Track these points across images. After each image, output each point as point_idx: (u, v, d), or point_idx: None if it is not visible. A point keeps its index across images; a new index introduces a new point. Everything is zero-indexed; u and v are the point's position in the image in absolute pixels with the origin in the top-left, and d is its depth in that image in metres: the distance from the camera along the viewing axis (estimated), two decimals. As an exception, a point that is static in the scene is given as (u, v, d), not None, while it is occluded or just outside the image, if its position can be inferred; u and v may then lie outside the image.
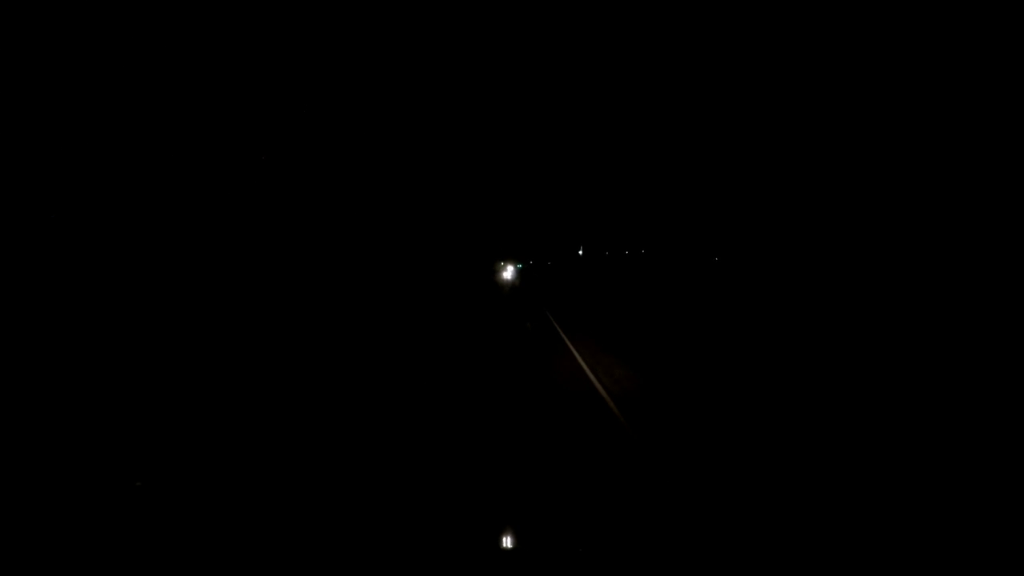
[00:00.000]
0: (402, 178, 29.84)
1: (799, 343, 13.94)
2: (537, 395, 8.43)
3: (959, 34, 17.96)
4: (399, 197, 29.32)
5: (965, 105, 18.40)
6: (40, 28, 12.62)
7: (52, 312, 11.23)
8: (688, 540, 2.10)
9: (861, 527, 2.04)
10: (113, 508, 2.68)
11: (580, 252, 68.07)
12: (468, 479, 5.01)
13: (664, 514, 4.10)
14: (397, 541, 2.04)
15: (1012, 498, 4.63)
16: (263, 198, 18.87)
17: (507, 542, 2.16)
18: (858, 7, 21.13)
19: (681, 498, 4.73)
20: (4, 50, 11.87)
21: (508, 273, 57.68)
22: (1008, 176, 17.06)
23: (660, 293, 32.51)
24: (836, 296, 23.13)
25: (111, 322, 11.88)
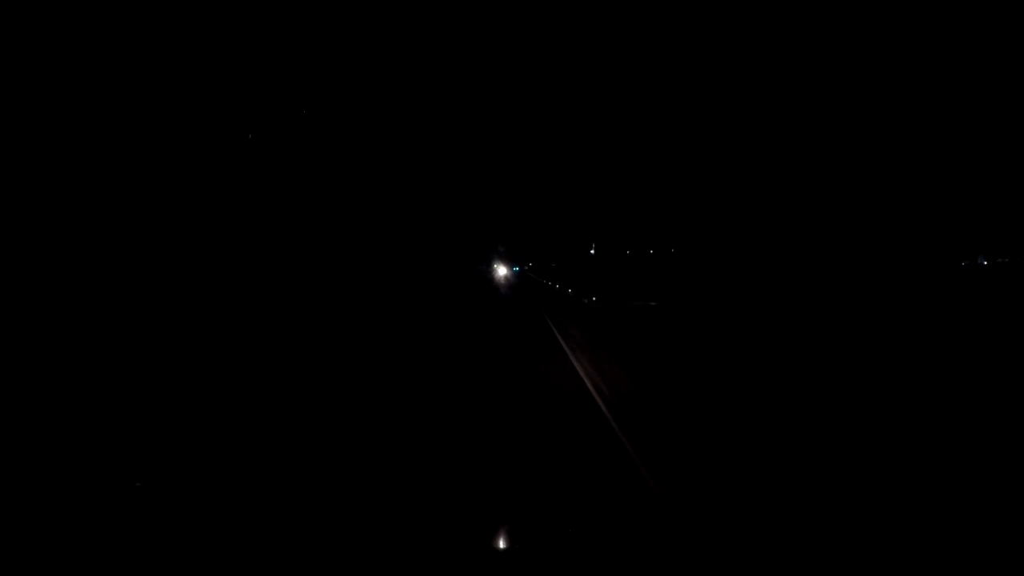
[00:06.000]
0: (389, 174, 29.37)
1: (821, 346, 13.88)
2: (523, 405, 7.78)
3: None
4: (383, 195, 28.71)
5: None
6: (40, 27, 12.83)
7: (52, 312, 11.42)
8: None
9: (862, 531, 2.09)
10: (113, 508, 2.76)
11: (592, 251, 62.28)
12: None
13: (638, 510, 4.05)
14: (387, 540, 2.12)
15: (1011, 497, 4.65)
16: (263, 198, 19.04)
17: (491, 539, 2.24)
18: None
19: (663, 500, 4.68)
20: (4, 50, 12.10)
21: (501, 276, 50.20)
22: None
23: (693, 297, 27.99)
24: (856, 298, 23.00)
25: (111, 322, 12.06)
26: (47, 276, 12.06)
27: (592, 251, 61.31)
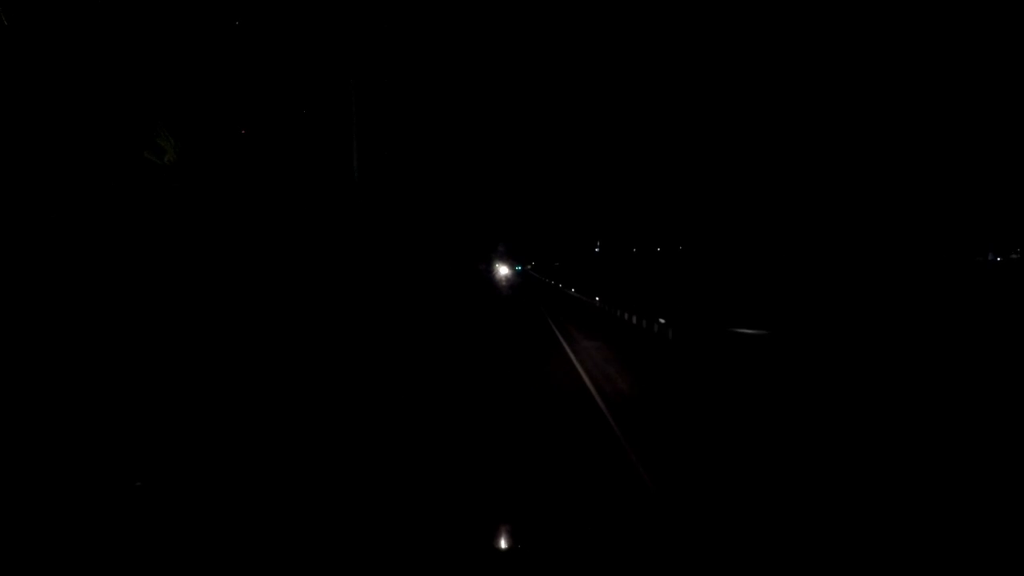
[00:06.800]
0: (386, 172, 28.78)
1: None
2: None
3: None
4: (379, 194, 27.87)
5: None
6: (39, 27, 12.87)
7: (52, 312, 11.46)
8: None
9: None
10: (113, 508, 2.75)
11: (597, 249, 61.13)
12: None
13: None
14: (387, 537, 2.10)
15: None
16: (262, 198, 19.09)
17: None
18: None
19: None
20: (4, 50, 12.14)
21: (502, 276, 47.58)
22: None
23: (710, 298, 25.08)
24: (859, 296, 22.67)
25: (111, 322, 12.10)
26: (47, 276, 12.10)
27: (597, 248, 59.87)
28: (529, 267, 72.58)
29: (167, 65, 16.19)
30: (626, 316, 19.28)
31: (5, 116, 12.98)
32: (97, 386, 8.58)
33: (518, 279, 53.22)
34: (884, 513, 4.89)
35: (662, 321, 15.66)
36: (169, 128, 16.55)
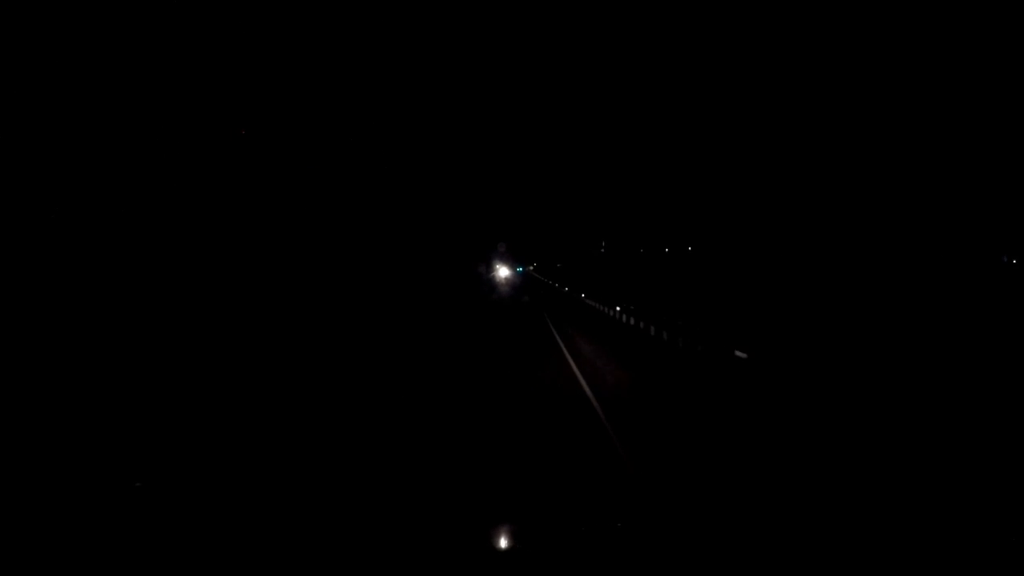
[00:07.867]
0: (380, 169, 28.22)
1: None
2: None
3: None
4: (371, 192, 27.10)
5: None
6: (39, 27, 12.93)
7: (52, 312, 11.52)
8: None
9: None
10: (113, 508, 2.78)
11: (602, 249, 59.14)
12: None
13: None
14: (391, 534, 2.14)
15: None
16: (263, 198, 19.14)
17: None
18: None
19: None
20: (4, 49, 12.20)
21: (502, 278, 45.61)
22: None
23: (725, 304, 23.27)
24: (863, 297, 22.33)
25: (111, 322, 12.15)
26: (47, 276, 12.16)
27: (602, 249, 58.37)
28: (531, 268, 72.29)
29: (167, 66, 16.28)
30: (630, 321, 19.91)
31: (7, 116, 13.07)
32: (98, 386, 8.63)
33: (519, 280, 52.71)
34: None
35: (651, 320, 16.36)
36: (168, 127, 16.63)
